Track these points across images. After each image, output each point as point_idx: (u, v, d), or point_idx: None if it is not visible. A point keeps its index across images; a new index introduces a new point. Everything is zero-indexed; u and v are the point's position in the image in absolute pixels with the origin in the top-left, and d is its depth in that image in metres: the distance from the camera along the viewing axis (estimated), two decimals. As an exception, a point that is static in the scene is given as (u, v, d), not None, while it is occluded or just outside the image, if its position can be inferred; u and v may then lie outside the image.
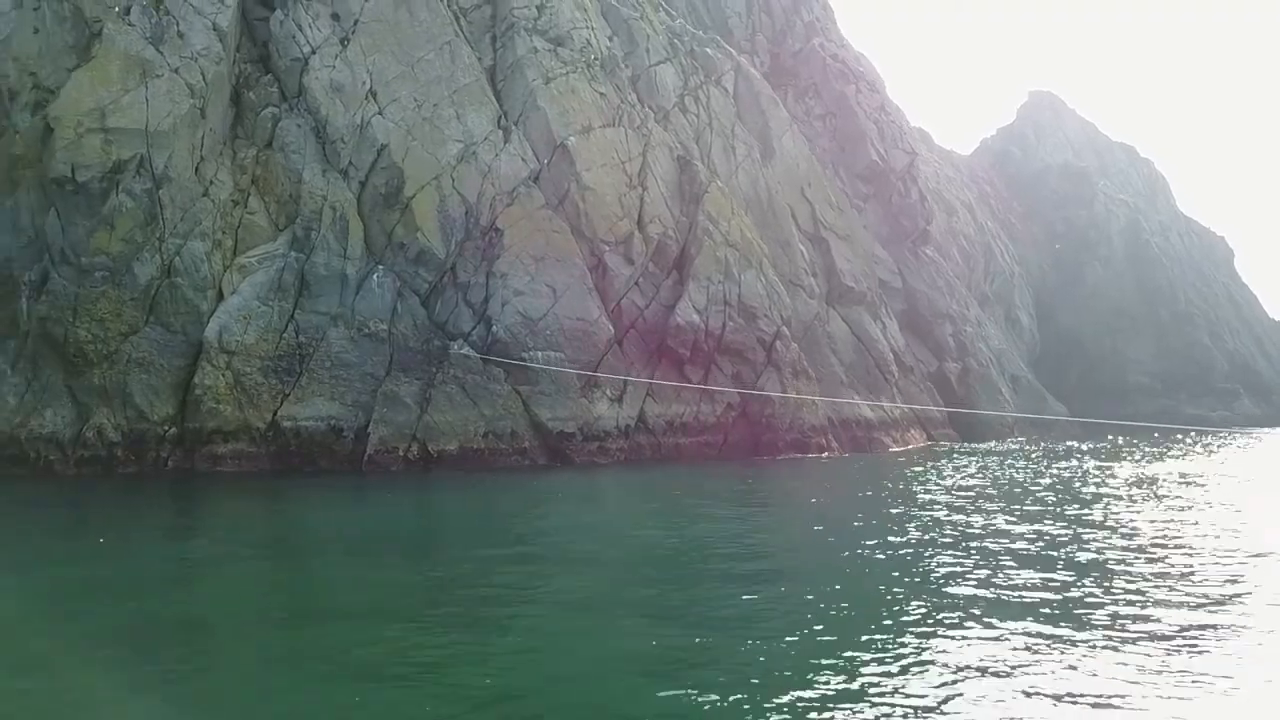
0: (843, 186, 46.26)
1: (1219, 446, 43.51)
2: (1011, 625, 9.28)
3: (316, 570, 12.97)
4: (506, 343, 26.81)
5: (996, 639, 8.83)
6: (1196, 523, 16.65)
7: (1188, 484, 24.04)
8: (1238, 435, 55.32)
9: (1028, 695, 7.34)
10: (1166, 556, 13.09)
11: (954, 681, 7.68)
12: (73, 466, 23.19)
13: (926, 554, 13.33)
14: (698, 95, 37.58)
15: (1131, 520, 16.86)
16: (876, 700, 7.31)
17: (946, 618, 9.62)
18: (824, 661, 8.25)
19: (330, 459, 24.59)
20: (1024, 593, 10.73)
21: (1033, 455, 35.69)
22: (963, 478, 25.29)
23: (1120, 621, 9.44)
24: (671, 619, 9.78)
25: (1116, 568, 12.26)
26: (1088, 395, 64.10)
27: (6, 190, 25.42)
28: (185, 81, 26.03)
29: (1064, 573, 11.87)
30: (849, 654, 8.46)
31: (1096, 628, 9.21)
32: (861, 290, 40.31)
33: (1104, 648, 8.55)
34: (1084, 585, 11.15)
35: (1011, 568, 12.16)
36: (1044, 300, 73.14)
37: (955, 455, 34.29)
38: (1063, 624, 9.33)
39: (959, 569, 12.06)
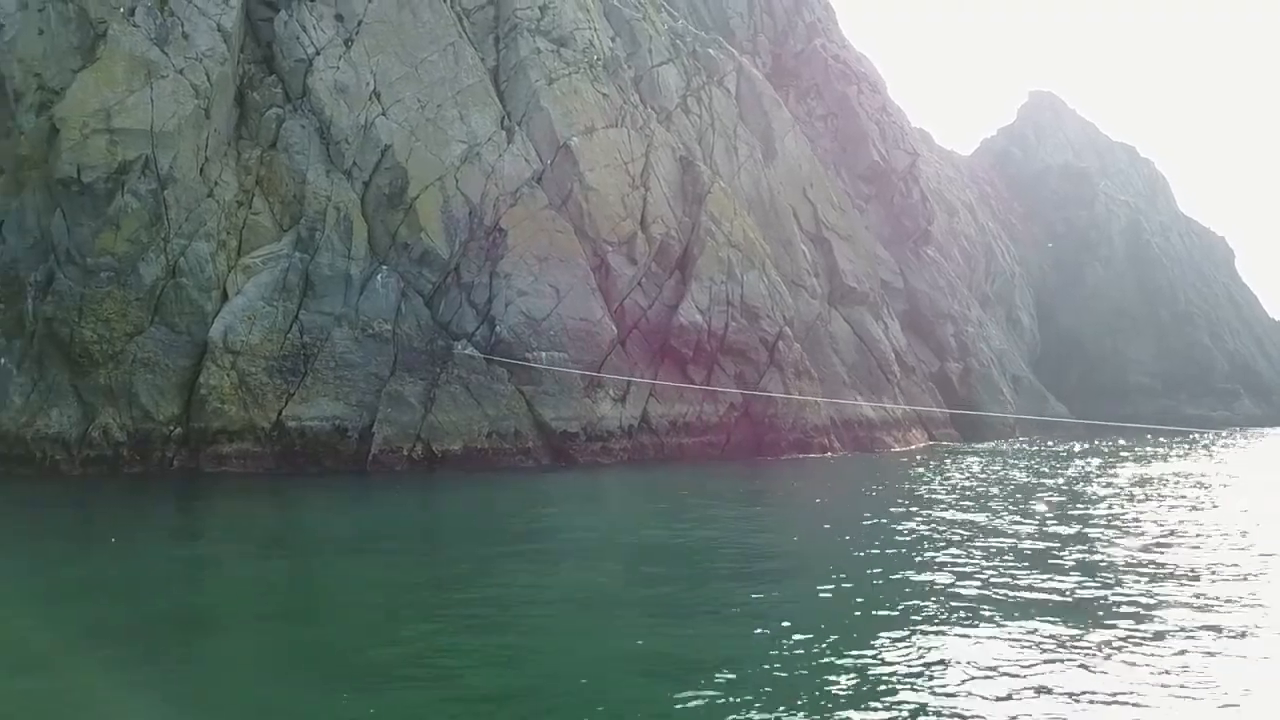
0: (844, 187, 46.28)
1: (1220, 446, 43.54)
2: (1020, 624, 9.32)
3: (320, 570, 13.00)
4: (510, 343, 26.87)
5: (1005, 638, 8.87)
6: (1201, 522, 16.70)
7: (1191, 484, 24.07)
8: (1238, 435, 55.36)
9: (1038, 694, 7.38)
10: (1173, 556, 13.13)
11: (963, 680, 7.72)
12: (78, 466, 23.23)
13: (932, 553, 13.37)
14: (700, 96, 37.63)
15: (1136, 520, 16.91)
16: (885, 699, 7.35)
17: (954, 617, 9.66)
18: (832, 661, 8.29)
19: (335, 459, 24.64)
20: (1031, 592, 10.77)
21: (1035, 455, 35.73)
22: (966, 477, 25.33)
23: (1129, 621, 9.49)
24: (678, 618, 9.81)
25: (1123, 567, 12.31)
26: (1088, 395, 64.09)
27: (12, 191, 25.49)
28: (190, 82, 26.07)
29: (1072, 572, 11.91)
30: (856, 653, 8.50)
31: (1106, 627, 9.26)
32: (863, 290, 40.35)
33: (1114, 647, 8.59)
34: (1092, 585, 11.20)
35: (1018, 567, 12.20)
36: (1045, 300, 73.15)
37: (958, 455, 34.32)
38: (1071, 623, 9.37)
39: (965, 568, 12.11)
